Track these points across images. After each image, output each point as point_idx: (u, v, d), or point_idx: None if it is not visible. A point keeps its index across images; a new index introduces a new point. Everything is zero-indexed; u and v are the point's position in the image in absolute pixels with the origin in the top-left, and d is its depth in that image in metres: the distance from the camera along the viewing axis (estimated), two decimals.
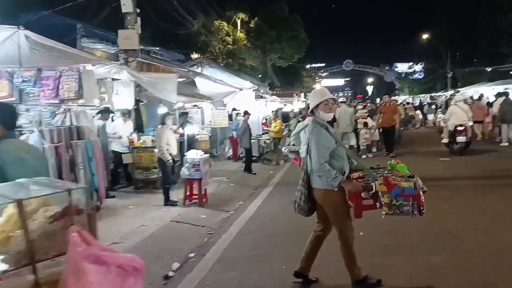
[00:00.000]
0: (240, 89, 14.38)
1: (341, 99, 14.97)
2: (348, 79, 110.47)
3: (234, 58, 31.73)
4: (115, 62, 9.06)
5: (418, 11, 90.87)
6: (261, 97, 26.35)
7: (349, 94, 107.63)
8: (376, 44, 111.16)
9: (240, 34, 31.52)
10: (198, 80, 13.43)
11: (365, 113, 14.41)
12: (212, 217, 6.74)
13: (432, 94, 44.73)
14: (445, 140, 12.46)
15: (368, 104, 15.40)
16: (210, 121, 13.52)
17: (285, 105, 32.89)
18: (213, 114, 13.30)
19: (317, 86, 79.10)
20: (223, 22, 30.16)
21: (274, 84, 41.42)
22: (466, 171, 9.91)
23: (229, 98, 14.09)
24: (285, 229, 5.89)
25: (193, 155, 7.14)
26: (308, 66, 60.43)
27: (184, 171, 7.12)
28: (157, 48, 22.94)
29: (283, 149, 10.09)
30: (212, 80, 13.88)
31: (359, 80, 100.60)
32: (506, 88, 26.95)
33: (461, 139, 11.74)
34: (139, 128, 9.90)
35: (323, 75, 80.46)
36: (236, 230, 6.07)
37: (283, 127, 15.14)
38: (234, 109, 16.01)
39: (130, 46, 10.12)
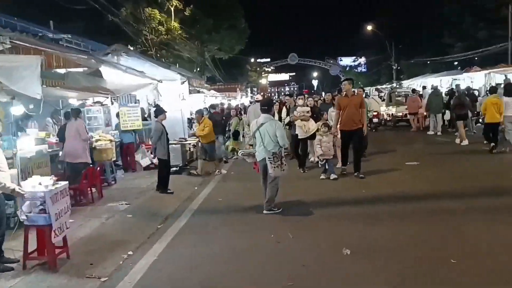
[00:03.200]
0: (159, 81, 11.43)
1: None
2: (293, 73, 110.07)
3: (168, 50, 28.64)
4: None
5: (362, 3, 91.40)
6: (198, 91, 23.52)
7: (295, 89, 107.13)
8: (320, 37, 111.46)
9: (174, 23, 28.39)
10: (105, 71, 10.35)
11: (307, 112, 9.51)
12: None
13: (378, 87, 43.90)
14: None
15: (309, 98, 11.11)
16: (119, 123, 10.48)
17: (229, 100, 30.27)
18: (122, 113, 10.28)
19: (263, 81, 77.71)
20: (155, 10, 26.98)
21: (216, 78, 38.56)
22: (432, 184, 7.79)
23: (145, 92, 11.13)
24: None
25: (32, 184, 4.19)
26: (252, 60, 58.18)
27: (21, 212, 4.19)
28: (69, 36, 19.44)
29: (239, 153, 8.03)
30: (122, 70, 10.81)
31: (305, 74, 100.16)
32: (455, 79, 26.08)
33: (375, 121, 18.33)
34: None
35: (269, 69, 78.77)
36: None
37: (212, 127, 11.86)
38: (156, 106, 13.05)
39: None
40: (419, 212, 5.77)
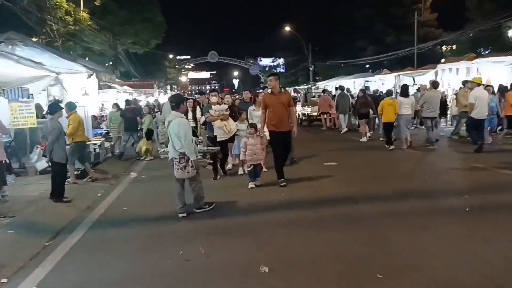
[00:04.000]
0: (58, 74, 10.16)
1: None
2: (215, 72, 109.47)
3: (76, 41, 26.46)
4: None
5: (279, 6, 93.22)
6: (109, 87, 21.91)
7: (216, 87, 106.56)
8: (240, 37, 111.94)
9: (83, 13, 26.30)
10: None
11: (225, 110, 8.48)
12: None
13: (296, 87, 44.86)
14: None
15: (227, 96, 9.72)
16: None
17: (146, 97, 28.71)
18: (13, 109, 8.87)
19: (183, 79, 75.75)
20: None
21: (131, 73, 36.55)
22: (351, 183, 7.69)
23: (43, 86, 9.80)
24: None
25: None
26: (171, 56, 56.44)
27: None
28: None
29: (159, 152, 7.63)
30: (14, 60, 9.39)
31: (226, 73, 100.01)
32: (367, 81, 27.31)
33: None
34: None
35: (189, 67, 77.11)
36: None
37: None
38: (57, 102, 11.67)
39: None
40: (338, 218, 5.46)
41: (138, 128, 12.85)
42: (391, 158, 10.42)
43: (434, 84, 12.02)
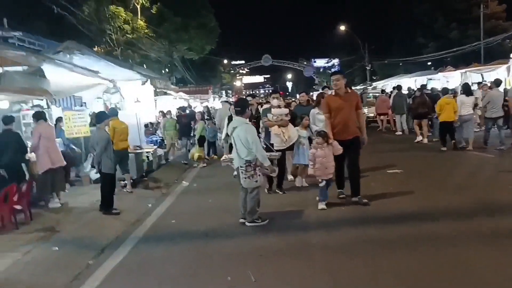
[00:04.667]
0: (111, 81, 10.15)
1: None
2: (268, 76, 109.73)
3: (134, 49, 27.25)
4: None
5: (334, 4, 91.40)
6: (165, 93, 22.21)
7: (270, 91, 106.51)
8: (293, 38, 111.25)
9: (140, 22, 27.02)
10: (49, 70, 9.02)
11: (286, 115, 7.44)
12: None
13: (353, 88, 43.39)
14: None
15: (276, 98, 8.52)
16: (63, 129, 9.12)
17: (202, 103, 28.95)
18: (67, 118, 8.93)
19: (237, 83, 76.50)
20: (120, 8, 25.56)
21: (187, 79, 37.15)
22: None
23: (94, 94, 9.82)
24: None
25: None
26: (225, 62, 56.97)
27: None
28: (19, 34, 17.84)
29: (222, 160, 6.76)
30: (68, 68, 9.48)
31: (279, 76, 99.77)
32: (430, 79, 25.64)
33: None
34: None
35: (244, 71, 77.63)
36: None
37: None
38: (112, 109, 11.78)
39: None
40: (411, 239, 4.72)
41: (191, 134, 12.82)
42: (459, 162, 9.48)
43: (497, 82, 11.43)
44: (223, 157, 6.78)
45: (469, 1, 34.92)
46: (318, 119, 7.63)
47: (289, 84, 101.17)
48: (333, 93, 6.48)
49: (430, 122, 13.69)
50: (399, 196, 6.62)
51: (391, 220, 5.45)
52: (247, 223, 5.59)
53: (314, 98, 11.23)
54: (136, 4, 27.31)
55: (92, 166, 8.02)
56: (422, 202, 6.22)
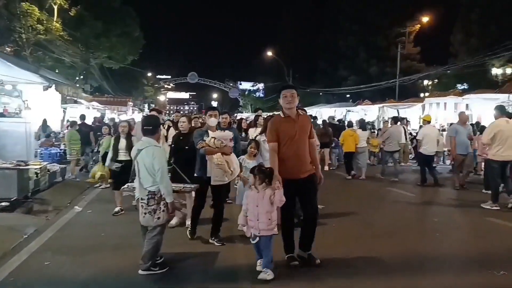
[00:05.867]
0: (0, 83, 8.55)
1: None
2: (194, 93, 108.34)
3: (46, 52, 24.90)
4: None
5: (263, 30, 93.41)
6: (75, 101, 20.39)
7: (195, 108, 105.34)
8: (221, 59, 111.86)
9: (56, 23, 24.84)
10: None
11: (230, 139, 5.63)
12: None
13: (275, 113, 43.88)
14: None
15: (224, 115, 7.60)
16: None
17: (119, 115, 27.02)
18: None
19: (161, 98, 74.33)
20: (33, 6, 23.31)
21: (104, 88, 34.80)
22: None
23: None
24: None
25: None
26: (150, 75, 54.98)
27: None
28: None
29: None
30: None
31: (205, 94, 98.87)
32: (349, 110, 26.49)
33: None
34: None
35: (169, 86, 75.54)
36: None
37: None
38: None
39: None
40: None
41: (92, 146, 11.62)
42: (374, 196, 9.43)
43: (395, 119, 13.38)
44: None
45: (389, 40, 37.28)
46: (266, 148, 5.73)
47: (214, 103, 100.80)
48: (282, 115, 4.77)
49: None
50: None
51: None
52: (140, 271, 4.45)
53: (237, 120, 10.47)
54: (53, 5, 25.12)
55: None
56: (343, 248, 5.58)
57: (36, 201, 8.07)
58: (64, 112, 19.22)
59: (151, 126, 4.71)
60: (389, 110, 21.57)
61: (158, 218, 4.46)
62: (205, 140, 5.37)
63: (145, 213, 4.46)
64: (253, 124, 8.45)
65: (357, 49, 38.37)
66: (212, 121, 5.60)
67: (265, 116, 9.34)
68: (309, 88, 43.49)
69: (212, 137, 5.37)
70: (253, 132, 7.94)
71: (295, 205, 4.88)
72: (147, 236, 4.52)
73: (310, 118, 5.66)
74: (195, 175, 5.62)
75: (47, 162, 9.67)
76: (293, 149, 4.62)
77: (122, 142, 7.31)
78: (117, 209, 7.24)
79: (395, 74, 31.84)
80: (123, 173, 6.39)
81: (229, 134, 5.67)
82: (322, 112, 28.80)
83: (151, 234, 4.50)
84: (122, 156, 7.22)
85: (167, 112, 72.64)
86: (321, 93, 42.23)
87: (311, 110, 33.03)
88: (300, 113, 4.86)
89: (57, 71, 25.32)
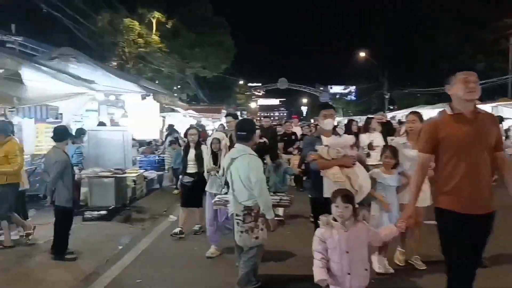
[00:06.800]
0: (98, 91, 8.78)
1: None
2: (284, 99, 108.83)
3: (146, 64, 26.40)
4: None
5: (355, 31, 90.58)
6: (173, 110, 21.05)
7: (284, 114, 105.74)
8: (311, 63, 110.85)
9: (154, 36, 26.20)
10: (28, 74, 7.71)
11: (350, 146, 4.18)
12: None
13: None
14: None
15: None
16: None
17: (214, 122, 27.78)
18: (39, 131, 7.53)
19: (252, 105, 75.89)
20: (134, 21, 24.86)
21: (199, 97, 36.02)
22: None
23: (75, 105, 8.45)
24: None
25: None
26: (241, 82, 56.13)
27: None
28: (20, 39, 16.91)
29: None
30: (51, 74, 8.13)
31: (294, 100, 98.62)
32: None
33: None
34: None
35: (260, 93, 76.74)
36: None
37: None
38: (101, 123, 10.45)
39: None
40: None
41: None
42: None
43: None
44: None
45: (498, 33, 33.52)
46: (407, 155, 4.43)
47: (304, 109, 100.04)
48: (449, 111, 3.07)
49: None
50: None
51: None
52: None
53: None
54: (151, 19, 26.57)
55: (44, 196, 6.49)
56: None
57: (133, 209, 8.10)
58: (163, 120, 19.97)
59: (245, 132, 4.05)
60: (504, 110, 19.01)
61: (257, 238, 3.88)
62: (317, 150, 4.04)
63: (241, 232, 3.89)
64: (363, 129, 7.32)
65: (461, 45, 35.07)
66: (327, 123, 4.18)
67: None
68: (407, 88, 40.86)
69: (325, 145, 4.03)
70: (365, 138, 6.88)
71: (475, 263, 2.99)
72: (243, 257, 3.97)
73: (496, 118, 3.38)
74: (309, 196, 4.29)
75: (143, 170, 9.74)
76: (465, 166, 2.94)
77: (192, 153, 6.29)
78: (177, 230, 6.23)
79: (506, 69, 28.45)
80: (194, 189, 6.00)
81: (348, 139, 4.22)
82: (424, 114, 26.55)
83: (248, 256, 3.94)
84: (192, 169, 6.23)
85: (259, 118, 73.78)
86: (418, 94, 39.29)
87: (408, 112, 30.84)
88: (480, 110, 3.09)
89: (157, 82, 26.66)
